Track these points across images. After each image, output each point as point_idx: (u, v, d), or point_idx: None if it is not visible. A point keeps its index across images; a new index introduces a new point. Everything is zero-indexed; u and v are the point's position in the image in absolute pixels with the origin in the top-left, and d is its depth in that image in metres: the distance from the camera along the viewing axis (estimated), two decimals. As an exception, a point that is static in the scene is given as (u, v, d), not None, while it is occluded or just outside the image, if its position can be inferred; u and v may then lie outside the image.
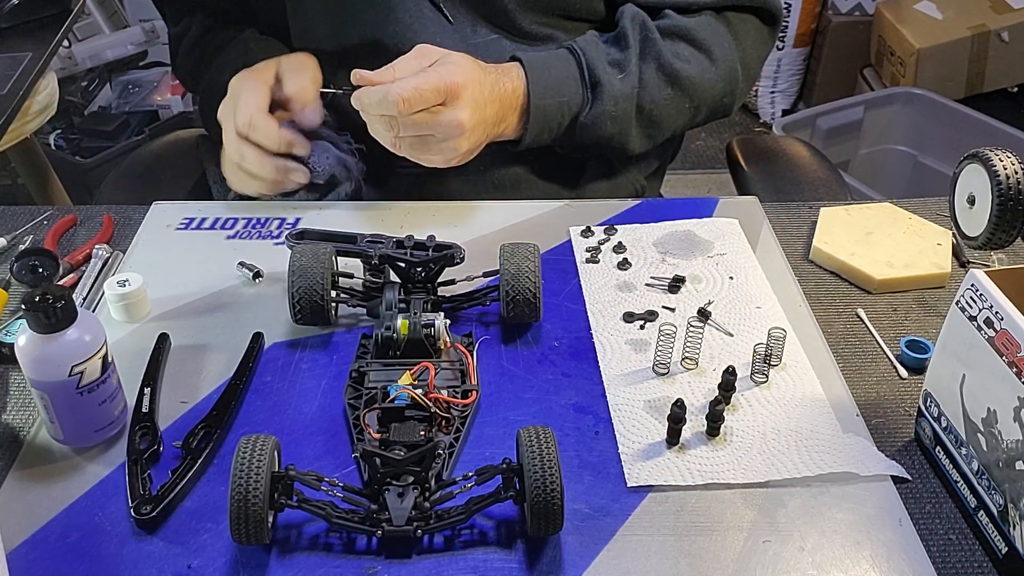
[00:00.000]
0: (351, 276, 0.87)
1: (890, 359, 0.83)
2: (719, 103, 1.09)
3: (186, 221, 1.01)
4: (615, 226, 1.00)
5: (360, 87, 0.89)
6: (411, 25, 1.01)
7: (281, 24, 1.07)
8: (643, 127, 1.05)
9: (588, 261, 0.95)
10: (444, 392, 0.74)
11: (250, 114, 0.94)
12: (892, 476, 0.71)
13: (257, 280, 0.92)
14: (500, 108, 0.96)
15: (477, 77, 0.92)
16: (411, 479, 0.65)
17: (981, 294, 0.65)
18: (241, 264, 0.93)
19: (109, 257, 0.95)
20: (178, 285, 0.91)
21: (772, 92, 2.94)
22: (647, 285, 0.91)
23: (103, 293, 0.88)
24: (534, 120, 0.99)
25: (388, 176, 1.09)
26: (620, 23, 1.05)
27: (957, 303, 0.67)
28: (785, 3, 2.76)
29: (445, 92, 0.88)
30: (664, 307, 0.88)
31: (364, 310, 0.87)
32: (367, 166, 1.06)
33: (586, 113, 1.01)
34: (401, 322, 0.79)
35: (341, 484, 0.65)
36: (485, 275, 0.88)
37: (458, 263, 0.86)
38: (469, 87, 0.90)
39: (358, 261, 0.87)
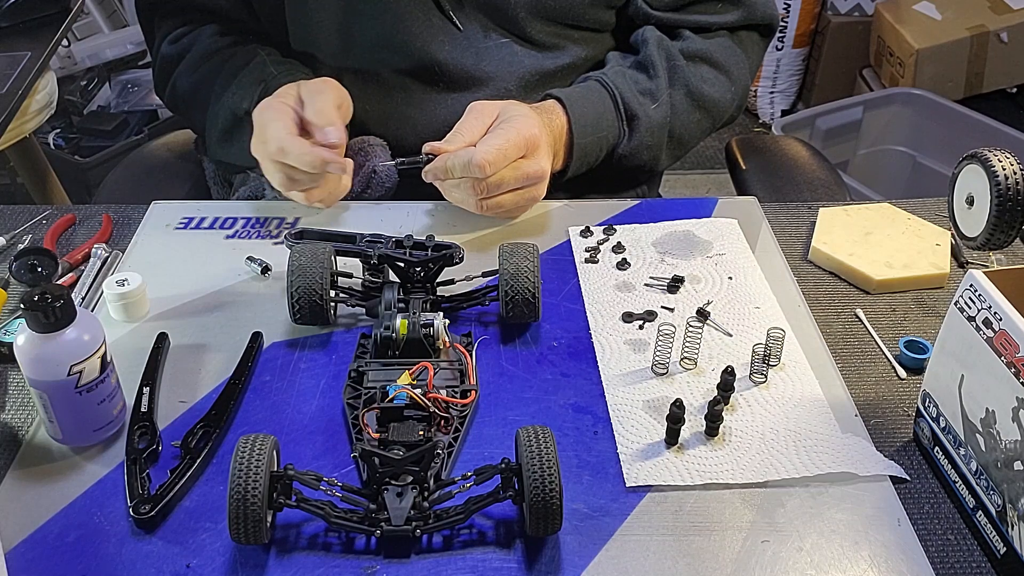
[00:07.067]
0: (350, 276, 0.87)
1: (889, 359, 0.83)
2: (730, 116, 1.15)
3: (185, 220, 1.01)
4: (614, 226, 1.00)
5: (433, 156, 0.92)
6: (420, 34, 1.02)
7: (283, 30, 1.06)
8: (672, 149, 1.10)
9: (587, 261, 0.95)
10: (443, 392, 0.74)
11: (279, 140, 0.90)
12: (891, 476, 0.71)
13: (266, 275, 0.92)
14: (555, 145, 0.99)
15: (542, 123, 0.95)
16: (410, 479, 0.65)
17: (980, 294, 0.65)
18: (250, 259, 0.93)
19: (108, 256, 0.95)
20: (177, 285, 0.91)
21: (771, 92, 2.94)
22: (646, 285, 0.91)
23: (102, 292, 0.88)
24: (577, 158, 1.02)
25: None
26: (645, 50, 1.07)
27: (956, 303, 0.67)
28: (785, 3, 2.76)
29: (525, 147, 0.92)
30: (663, 307, 0.88)
31: (363, 310, 0.87)
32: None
33: (624, 145, 1.05)
34: (400, 322, 0.79)
35: (340, 484, 0.65)
36: (484, 275, 0.88)
37: (457, 263, 0.86)
38: (543, 136, 0.94)
39: (357, 261, 0.87)
